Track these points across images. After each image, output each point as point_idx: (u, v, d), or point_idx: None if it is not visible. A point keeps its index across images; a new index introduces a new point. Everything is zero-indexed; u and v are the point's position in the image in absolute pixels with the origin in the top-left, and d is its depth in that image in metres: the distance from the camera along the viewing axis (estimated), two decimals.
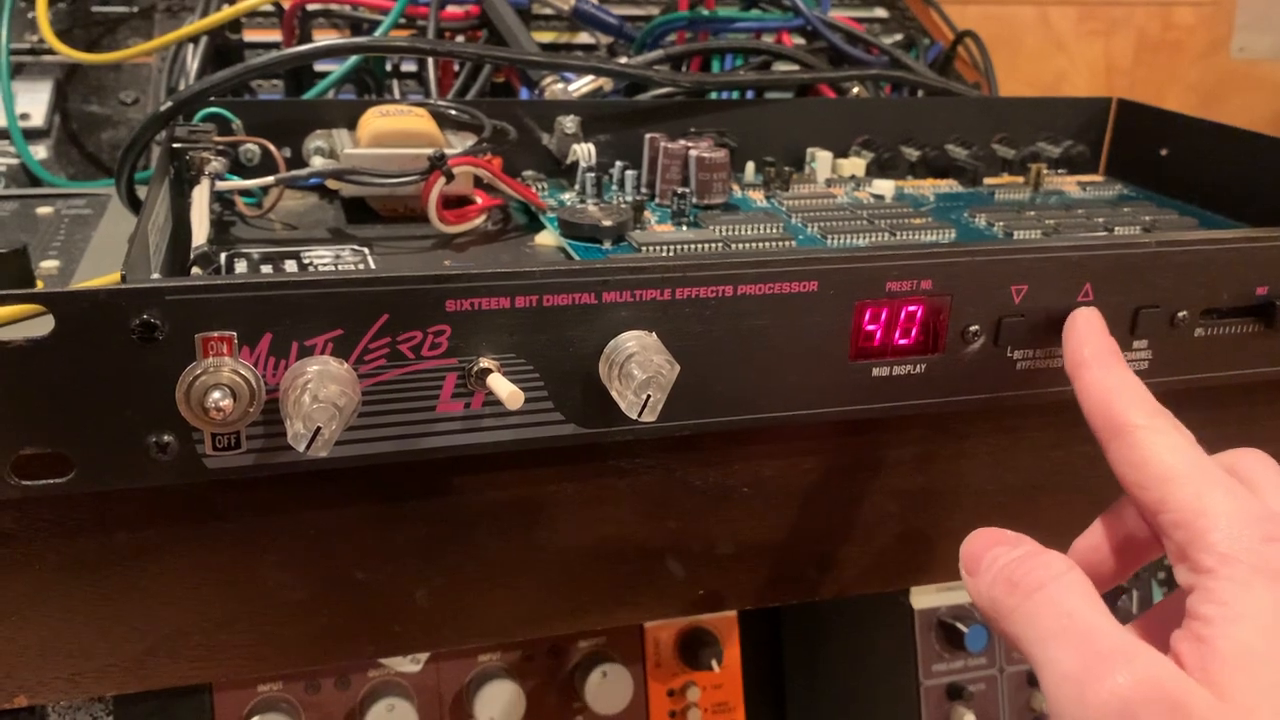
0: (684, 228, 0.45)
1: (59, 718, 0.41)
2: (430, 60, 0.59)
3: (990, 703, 0.55)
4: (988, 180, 0.56)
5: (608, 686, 0.53)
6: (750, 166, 0.54)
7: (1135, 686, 0.25)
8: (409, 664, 0.50)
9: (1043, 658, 0.27)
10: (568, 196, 0.49)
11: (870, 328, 0.36)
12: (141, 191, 0.45)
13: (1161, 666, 0.26)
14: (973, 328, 0.37)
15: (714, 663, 0.55)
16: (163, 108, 0.44)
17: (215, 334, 0.29)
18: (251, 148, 0.47)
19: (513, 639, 0.49)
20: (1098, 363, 0.33)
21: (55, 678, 0.35)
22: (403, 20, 0.60)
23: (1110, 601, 0.57)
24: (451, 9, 0.61)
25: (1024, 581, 0.29)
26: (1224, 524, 0.28)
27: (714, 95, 0.58)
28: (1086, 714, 0.26)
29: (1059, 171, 0.58)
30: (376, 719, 0.49)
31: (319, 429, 0.29)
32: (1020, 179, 0.57)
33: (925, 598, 0.54)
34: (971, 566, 0.31)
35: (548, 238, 0.44)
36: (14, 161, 0.58)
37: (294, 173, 0.44)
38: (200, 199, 0.40)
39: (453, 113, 0.49)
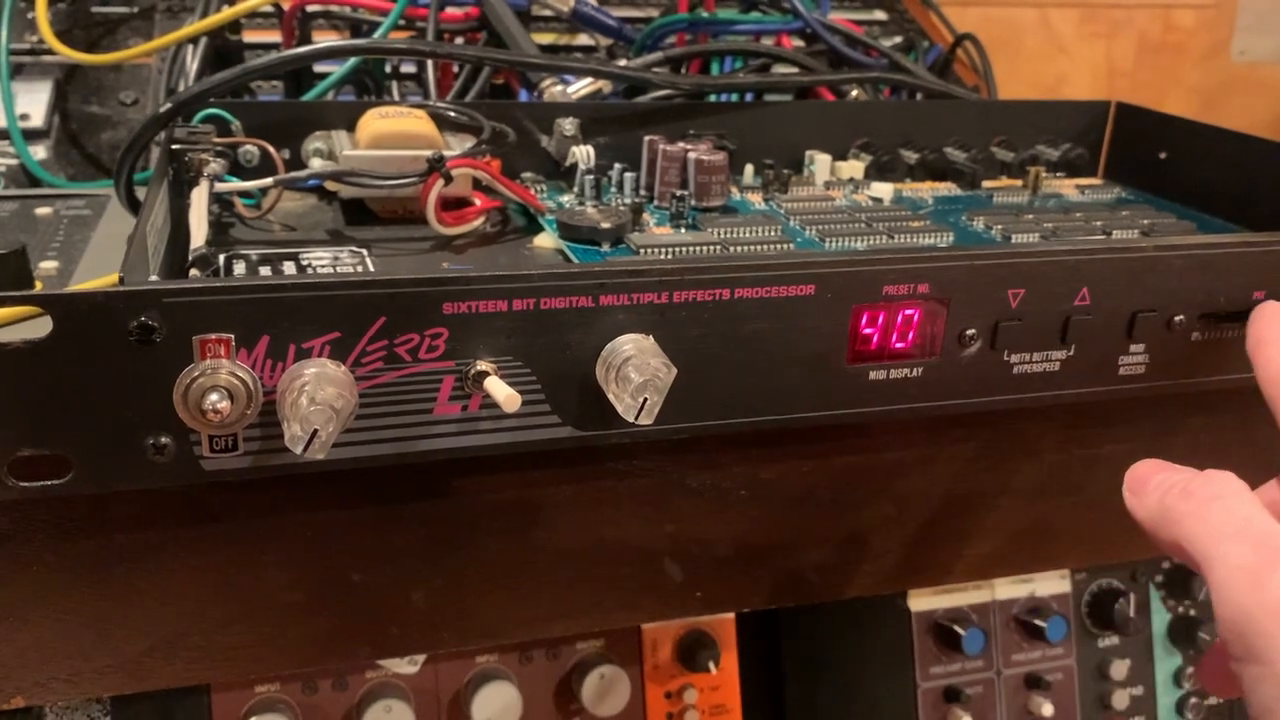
0: (682, 230, 0.45)
1: (57, 718, 0.41)
2: (429, 62, 0.59)
3: (987, 706, 0.55)
4: (986, 183, 0.56)
5: (605, 688, 0.53)
6: (749, 169, 0.54)
7: None
8: (406, 665, 0.50)
9: (1215, 553, 0.29)
10: (566, 199, 0.49)
11: (867, 331, 0.36)
12: (141, 193, 0.45)
13: None
14: (969, 331, 0.37)
15: (711, 665, 0.55)
16: (162, 109, 0.44)
17: (213, 336, 0.29)
18: (250, 149, 0.47)
19: (510, 641, 0.49)
20: None
21: (53, 679, 0.35)
22: (402, 22, 0.60)
23: (1108, 605, 0.57)
24: (451, 11, 0.61)
25: (1200, 491, 0.31)
26: None
27: (713, 98, 0.58)
28: (1259, 601, 0.27)
29: (1057, 174, 0.58)
30: None
31: (316, 431, 0.29)
32: (1019, 182, 0.57)
33: (922, 600, 0.54)
34: (1138, 485, 0.33)
35: (546, 240, 0.44)
36: (13, 162, 0.58)
37: (293, 174, 0.44)
38: (199, 200, 0.40)
39: (452, 114, 0.49)
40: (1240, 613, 0.27)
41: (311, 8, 0.60)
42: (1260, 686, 0.27)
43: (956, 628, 0.54)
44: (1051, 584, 0.56)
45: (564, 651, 0.53)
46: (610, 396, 0.33)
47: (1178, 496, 0.31)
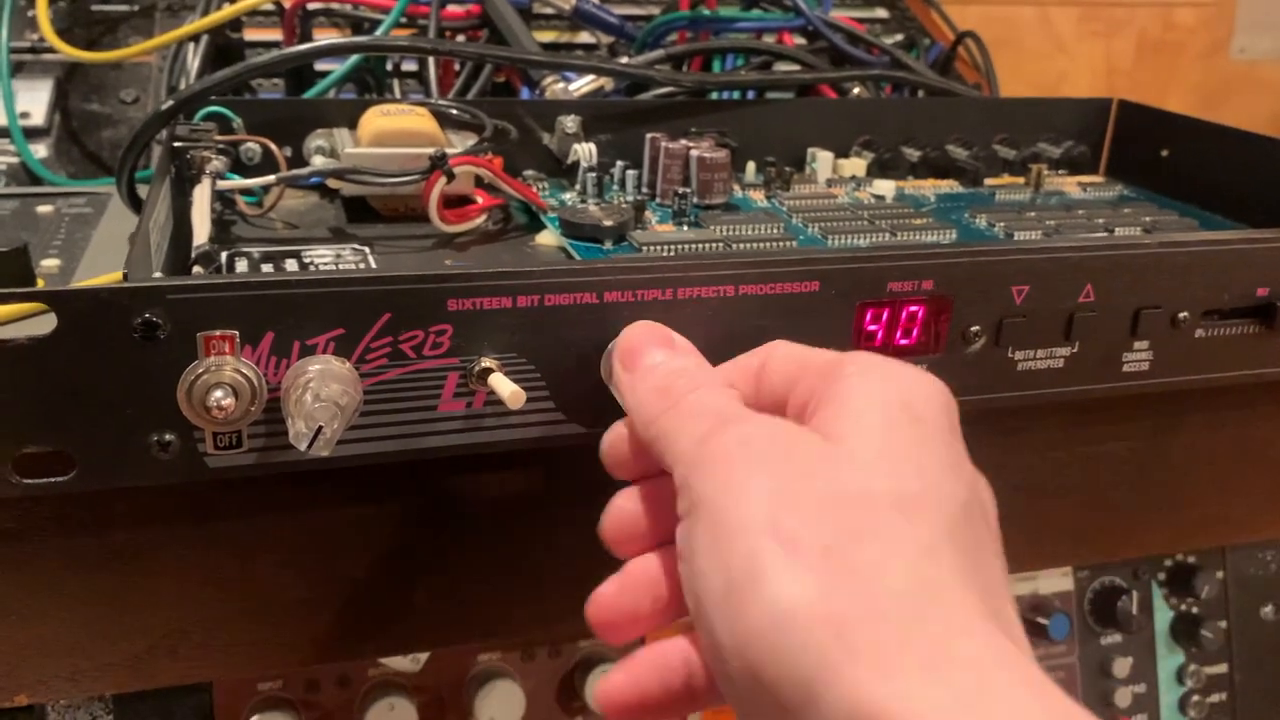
0: (685, 228, 0.45)
1: (59, 716, 0.40)
2: (431, 60, 0.59)
3: None
4: (988, 181, 0.56)
5: None
6: (751, 166, 0.54)
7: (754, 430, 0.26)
8: (409, 663, 0.50)
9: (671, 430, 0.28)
10: (569, 196, 0.49)
11: (872, 328, 0.36)
12: (142, 191, 0.45)
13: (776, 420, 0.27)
14: (974, 328, 0.37)
15: None
16: (163, 106, 0.44)
17: (217, 333, 0.29)
18: (252, 146, 0.47)
19: (513, 638, 0.49)
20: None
21: (55, 676, 0.35)
22: (404, 19, 0.60)
23: (1111, 603, 0.57)
24: (452, 8, 0.61)
25: (675, 388, 0.29)
26: None
27: (715, 95, 0.58)
28: (704, 454, 0.26)
29: (1059, 172, 0.58)
30: (377, 718, 0.49)
31: (320, 428, 0.29)
32: (1021, 179, 0.57)
33: None
34: (630, 362, 0.31)
35: (549, 237, 0.44)
36: (14, 160, 0.58)
37: (295, 172, 0.44)
38: (201, 198, 0.40)
39: (454, 112, 0.49)
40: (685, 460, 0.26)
41: (312, 5, 0.60)
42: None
43: None
44: (1054, 581, 0.56)
45: (566, 649, 0.53)
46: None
47: (657, 397, 0.29)
